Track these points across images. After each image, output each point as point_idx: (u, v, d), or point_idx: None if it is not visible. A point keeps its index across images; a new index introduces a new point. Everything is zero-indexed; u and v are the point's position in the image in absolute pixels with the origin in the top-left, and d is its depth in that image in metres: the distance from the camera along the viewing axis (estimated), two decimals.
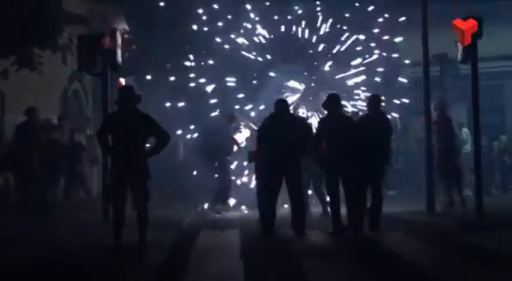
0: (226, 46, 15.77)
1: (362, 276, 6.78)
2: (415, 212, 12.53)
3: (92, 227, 10.64)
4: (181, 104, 15.57)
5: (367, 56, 16.13)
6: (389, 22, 16.42)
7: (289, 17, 16.17)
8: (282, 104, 10.20)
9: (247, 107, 15.31)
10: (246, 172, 14.69)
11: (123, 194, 8.50)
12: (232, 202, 14.20)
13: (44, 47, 12.00)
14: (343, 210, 9.86)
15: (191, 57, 15.85)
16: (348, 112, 13.34)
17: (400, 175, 16.45)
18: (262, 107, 14.62)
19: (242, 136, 14.40)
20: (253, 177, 12.03)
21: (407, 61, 16.30)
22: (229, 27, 16.11)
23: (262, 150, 9.98)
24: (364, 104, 12.79)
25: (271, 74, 15.36)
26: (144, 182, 8.59)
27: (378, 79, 16.01)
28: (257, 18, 16.30)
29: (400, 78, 16.39)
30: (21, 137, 12.45)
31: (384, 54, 16.37)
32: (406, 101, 15.99)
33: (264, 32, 16.07)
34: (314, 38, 16.04)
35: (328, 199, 10.81)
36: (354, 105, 15.56)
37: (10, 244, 9.02)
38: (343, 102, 11.93)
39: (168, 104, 15.54)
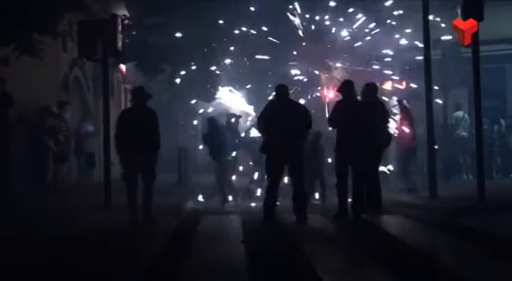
0: None
1: (363, 260, 6.80)
2: (417, 196, 12.56)
3: (93, 212, 10.72)
4: None
5: None
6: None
7: None
8: (282, 89, 10.19)
9: None
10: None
11: (135, 178, 9.83)
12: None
13: (44, 34, 11.97)
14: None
15: None
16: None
17: None
18: None
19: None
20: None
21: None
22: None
23: (262, 136, 10.01)
24: None
25: None
26: (152, 165, 9.87)
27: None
28: None
29: None
30: None
31: None
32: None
33: None
34: None
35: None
36: None
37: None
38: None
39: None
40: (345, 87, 10.26)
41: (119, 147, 9.93)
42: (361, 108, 10.15)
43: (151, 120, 9.86)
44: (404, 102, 13.75)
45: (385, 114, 10.79)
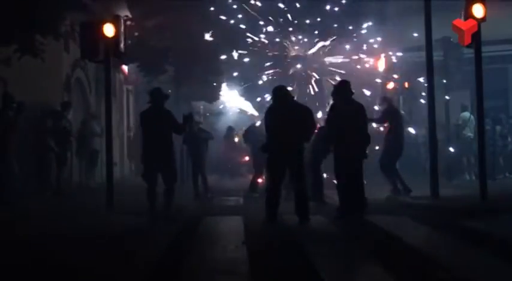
0: None
1: (365, 261, 6.80)
2: (419, 196, 12.54)
3: (96, 212, 10.75)
4: None
5: None
6: None
7: None
8: (281, 91, 10.16)
9: None
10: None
11: (155, 177, 10.37)
12: None
13: (46, 34, 11.97)
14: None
15: None
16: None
17: None
18: None
19: None
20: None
21: None
22: None
23: (266, 137, 10.04)
24: None
25: None
26: (173, 166, 10.51)
27: None
28: None
29: None
30: None
31: None
32: None
33: None
34: None
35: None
36: None
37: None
38: None
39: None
40: (340, 88, 10.25)
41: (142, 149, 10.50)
42: (355, 109, 10.13)
43: (170, 120, 10.39)
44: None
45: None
